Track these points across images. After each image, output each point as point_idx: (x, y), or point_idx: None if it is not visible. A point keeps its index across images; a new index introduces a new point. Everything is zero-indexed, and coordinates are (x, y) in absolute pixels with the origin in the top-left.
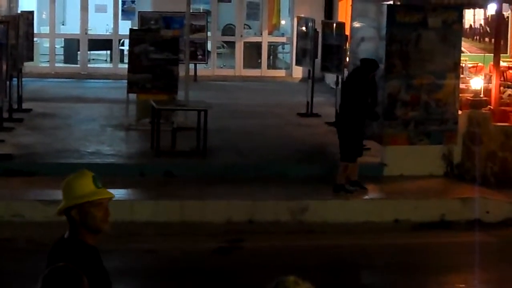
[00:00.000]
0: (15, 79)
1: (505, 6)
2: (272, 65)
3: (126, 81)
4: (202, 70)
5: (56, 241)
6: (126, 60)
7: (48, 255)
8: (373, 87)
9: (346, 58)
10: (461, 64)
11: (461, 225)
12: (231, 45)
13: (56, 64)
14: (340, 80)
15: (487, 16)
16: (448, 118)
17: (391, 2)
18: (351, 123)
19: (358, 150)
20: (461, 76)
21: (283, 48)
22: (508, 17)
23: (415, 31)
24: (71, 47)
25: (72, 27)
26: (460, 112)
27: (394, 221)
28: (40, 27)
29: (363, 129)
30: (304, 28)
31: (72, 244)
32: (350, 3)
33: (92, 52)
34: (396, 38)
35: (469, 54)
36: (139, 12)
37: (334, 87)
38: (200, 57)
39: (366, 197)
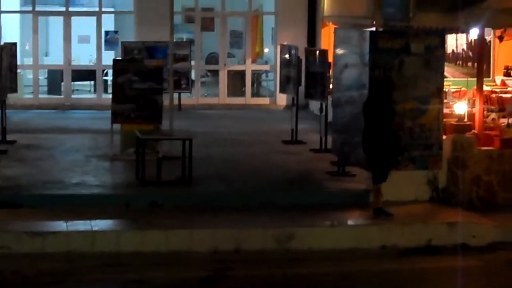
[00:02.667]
0: None
1: (487, 30)
2: (256, 93)
3: (110, 111)
4: (186, 99)
5: None
6: (110, 90)
7: None
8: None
9: (329, 85)
10: (444, 89)
11: (448, 250)
12: (215, 73)
13: (40, 95)
14: (324, 107)
15: (470, 41)
16: (433, 143)
17: (374, 29)
18: (378, 145)
19: (387, 172)
20: (445, 101)
21: (266, 76)
22: (490, 41)
23: (398, 57)
24: (55, 78)
25: (55, 58)
26: (444, 137)
27: (381, 247)
28: (23, 58)
29: (390, 151)
30: (287, 56)
31: None
32: (333, 30)
33: (75, 82)
34: (379, 64)
35: (452, 79)
36: (122, 42)
37: (318, 114)
38: (184, 86)
39: (352, 223)
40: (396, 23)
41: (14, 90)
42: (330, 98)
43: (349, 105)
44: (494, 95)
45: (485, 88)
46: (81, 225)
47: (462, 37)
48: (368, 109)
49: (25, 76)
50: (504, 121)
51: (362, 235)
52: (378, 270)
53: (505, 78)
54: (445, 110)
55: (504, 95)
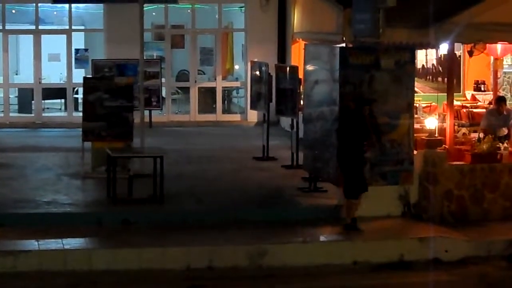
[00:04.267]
0: None
1: (457, 45)
2: (227, 110)
3: (81, 129)
4: (157, 116)
5: None
6: (80, 108)
7: None
8: (373, 121)
9: (300, 101)
10: (414, 104)
11: (420, 265)
12: (186, 90)
13: (11, 114)
14: (295, 123)
15: (439, 56)
16: (404, 158)
17: (344, 45)
18: (353, 161)
19: (362, 186)
20: (415, 116)
21: (237, 93)
22: (460, 56)
23: (368, 73)
24: (25, 96)
25: (25, 77)
26: (415, 152)
27: (353, 262)
28: None
29: (362, 165)
30: (257, 72)
31: None
32: (303, 47)
33: (46, 101)
34: (349, 80)
35: (422, 94)
36: (92, 60)
37: (290, 130)
38: (154, 103)
39: (325, 239)
40: (366, 39)
41: None
42: (301, 114)
43: (320, 121)
44: (464, 110)
45: (456, 103)
46: (52, 244)
47: (432, 52)
48: (342, 125)
49: None
50: (475, 135)
51: (334, 251)
52: (351, 286)
53: (475, 92)
54: (416, 125)
55: (474, 110)
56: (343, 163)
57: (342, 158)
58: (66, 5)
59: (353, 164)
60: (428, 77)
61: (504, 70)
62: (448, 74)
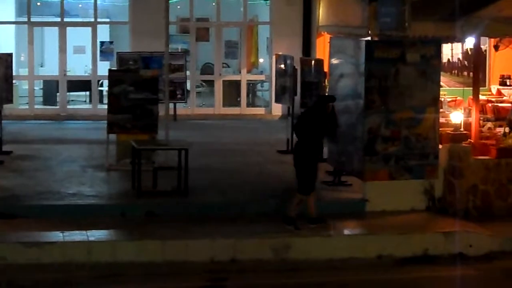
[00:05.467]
0: None
1: (483, 39)
2: (251, 103)
3: (106, 121)
4: (182, 109)
5: None
6: (105, 100)
7: None
8: (333, 118)
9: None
10: (440, 98)
11: (444, 259)
12: (210, 84)
13: (35, 106)
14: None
15: (465, 50)
16: (429, 153)
17: (369, 38)
18: (309, 157)
19: (313, 184)
20: (441, 110)
21: (262, 86)
22: (486, 50)
23: (394, 66)
24: (50, 88)
25: (50, 69)
26: (440, 146)
27: (377, 256)
28: (18, 69)
29: (317, 164)
30: (282, 66)
31: None
32: (328, 40)
33: (71, 93)
34: (375, 73)
35: (447, 88)
36: (117, 52)
37: None
38: (179, 96)
39: (349, 233)
40: (391, 32)
41: (10, 100)
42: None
43: (345, 115)
44: (490, 105)
45: (481, 97)
46: (77, 235)
47: (457, 46)
48: (304, 120)
49: (21, 86)
50: (500, 130)
51: (358, 245)
52: (375, 280)
53: (500, 87)
54: (441, 120)
55: (500, 104)
56: (299, 159)
57: (299, 153)
58: None
59: (310, 161)
60: (453, 71)
61: None
62: (474, 68)
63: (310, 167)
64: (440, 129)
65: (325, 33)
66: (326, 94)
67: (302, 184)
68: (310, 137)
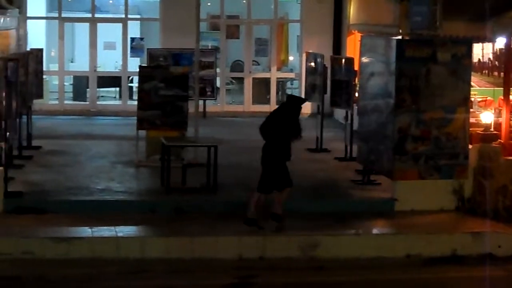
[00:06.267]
0: (24, 117)
1: None
2: (281, 101)
3: (135, 118)
4: (211, 106)
5: None
6: (135, 97)
7: None
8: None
9: (355, 93)
10: (470, 98)
11: (472, 260)
12: (240, 81)
13: (65, 102)
14: (349, 115)
15: (496, 50)
16: (459, 152)
17: (400, 37)
18: (276, 156)
19: (276, 183)
20: (471, 110)
21: (291, 84)
22: None
23: (425, 66)
24: (80, 84)
25: (81, 65)
26: (470, 146)
27: (406, 256)
28: (49, 64)
29: (285, 164)
30: (313, 64)
31: None
32: (359, 39)
33: (101, 89)
34: (406, 72)
35: (478, 88)
36: (148, 49)
37: (344, 122)
38: (209, 93)
39: (377, 232)
40: (422, 31)
41: (40, 96)
42: (355, 107)
43: (375, 113)
44: None
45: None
46: (106, 231)
47: (488, 46)
48: (273, 120)
49: (51, 82)
50: None
51: (387, 244)
52: (403, 279)
53: None
54: (471, 120)
55: None
56: (267, 159)
57: (267, 154)
58: None
59: (278, 161)
60: (484, 71)
61: None
62: (505, 68)
63: (276, 168)
64: (470, 129)
65: (356, 31)
66: (295, 95)
67: (263, 182)
68: (279, 137)
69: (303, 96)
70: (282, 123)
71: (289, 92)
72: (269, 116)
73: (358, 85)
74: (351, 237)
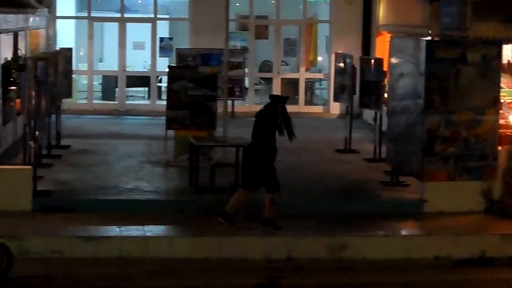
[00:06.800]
0: (53, 116)
1: None
2: (309, 101)
3: (164, 117)
4: (240, 106)
5: None
6: (164, 96)
7: None
8: (285, 119)
9: (384, 94)
10: (500, 100)
11: (502, 262)
12: (268, 81)
13: (94, 101)
14: (378, 116)
15: None
16: (488, 154)
17: (430, 38)
18: (256, 154)
19: (254, 183)
20: (500, 111)
21: (320, 84)
22: None
23: (454, 67)
24: (109, 84)
25: (110, 64)
26: (499, 147)
27: (434, 258)
28: (78, 64)
29: (265, 164)
30: (342, 64)
31: None
32: (388, 39)
33: (130, 88)
34: (435, 73)
35: (507, 89)
36: (176, 49)
37: (372, 123)
38: (237, 93)
39: (406, 233)
40: (452, 32)
41: (69, 95)
42: (384, 107)
43: (404, 114)
44: None
45: None
46: (134, 231)
47: None
48: (256, 121)
49: (80, 81)
50: None
51: (415, 245)
52: (432, 281)
53: None
54: (501, 121)
55: None
56: (248, 158)
57: (249, 153)
58: None
59: (258, 160)
60: None
61: None
62: None
63: (257, 167)
64: (499, 130)
65: (385, 32)
66: (277, 94)
67: (245, 179)
68: (261, 136)
69: (332, 97)
70: (263, 122)
71: (318, 92)
72: (255, 116)
73: (387, 86)
74: (379, 238)
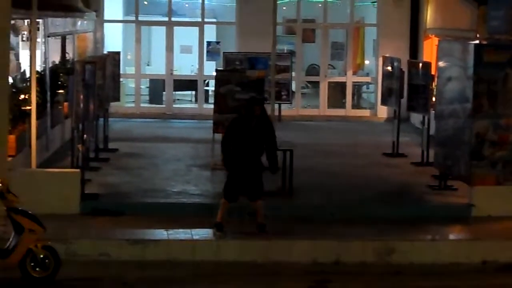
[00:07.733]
0: (101, 119)
1: None
2: (356, 105)
3: (211, 121)
4: (287, 110)
5: None
6: (211, 100)
7: None
8: (266, 126)
9: (432, 98)
10: None
11: None
12: (316, 85)
13: (142, 104)
14: (426, 119)
15: None
16: None
17: (478, 42)
18: (229, 164)
19: (232, 192)
20: None
21: (367, 88)
22: None
23: (503, 71)
24: (157, 87)
25: (157, 68)
26: None
27: (482, 262)
28: (125, 67)
29: (241, 172)
30: (389, 68)
31: None
32: (435, 43)
33: (177, 92)
34: (484, 77)
35: None
36: (223, 52)
37: (420, 126)
38: (284, 97)
39: (454, 237)
40: (500, 36)
41: (117, 99)
42: (432, 111)
43: (452, 118)
44: None
45: None
46: (181, 234)
47: None
48: (230, 127)
49: (127, 85)
50: None
51: (463, 250)
52: (480, 285)
53: None
54: None
55: None
56: (226, 161)
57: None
58: None
59: (235, 165)
60: None
61: None
62: None
63: (231, 177)
64: None
65: (433, 35)
66: (252, 95)
67: (225, 187)
68: (230, 146)
69: (379, 100)
70: (239, 129)
71: (365, 96)
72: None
73: (435, 90)
74: (427, 242)
